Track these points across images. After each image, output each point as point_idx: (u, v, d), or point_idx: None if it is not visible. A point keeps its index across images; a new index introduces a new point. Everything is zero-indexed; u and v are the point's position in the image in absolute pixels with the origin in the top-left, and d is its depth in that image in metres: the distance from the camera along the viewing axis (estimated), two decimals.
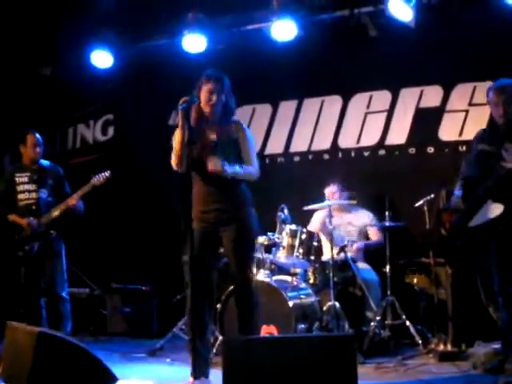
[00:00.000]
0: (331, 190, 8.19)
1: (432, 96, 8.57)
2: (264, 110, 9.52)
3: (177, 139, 5.53)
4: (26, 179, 7.61)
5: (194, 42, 8.80)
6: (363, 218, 8.25)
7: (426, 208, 7.38)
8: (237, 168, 5.65)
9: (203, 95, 5.68)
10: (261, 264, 7.40)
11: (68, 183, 7.80)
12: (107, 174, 7.47)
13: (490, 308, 6.06)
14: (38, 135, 7.69)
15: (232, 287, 5.77)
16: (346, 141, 9.05)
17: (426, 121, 8.60)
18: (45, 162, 7.76)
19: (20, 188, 7.60)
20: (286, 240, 7.42)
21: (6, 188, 7.66)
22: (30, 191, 7.58)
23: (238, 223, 5.69)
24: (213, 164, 5.57)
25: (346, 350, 4.60)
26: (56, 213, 7.49)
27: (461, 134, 8.34)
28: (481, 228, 5.85)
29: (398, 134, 8.73)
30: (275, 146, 9.44)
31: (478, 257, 6.02)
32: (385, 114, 8.83)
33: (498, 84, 6.08)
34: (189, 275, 5.57)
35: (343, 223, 8.16)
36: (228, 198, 5.70)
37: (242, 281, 5.76)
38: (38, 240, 7.46)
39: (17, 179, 7.62)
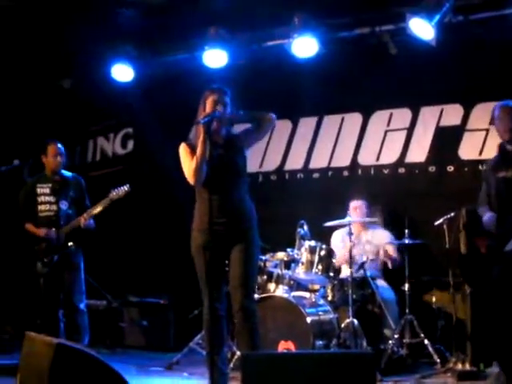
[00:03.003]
0: (355, 205, 8.20)
1: (452, 115, 8.55)
2: (284, 126, 9.51)
3: (197, 153, 5.53)
4: (47, 190, 7.64)
5: (215, 57, 8.82)
6: (381, 236, 8.22)
7: (445, 227, 7.36)
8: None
9: (209, 107, 5.64)
10: (280, 280, 7.41)
11: (88, 196, 7.83)
12: (126, 187, 7.46)
13: None
14: (59, 145, 7.73)
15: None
16: (366, 158, 9.04)
17: (446, 139, 8.58)
18: (67, 173, 7.79)
19: (41, 199, 7.64)
20: (305, 256, 7.41)
21: (26, 199, 7.70)
22: (50, 203, 7.61)
23: (247, 241, 5.66)
24: None
25: (365, 368, 4.57)
26: (72, 227, 7.51)
27: (481, 153, 8.32)
28: None
29: (418, 152, 8.71)
30: (295, 162, 9.43)
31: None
32: (405, 132, 8.82)
33: (505, 102, 6.18)
34: (205, 289, 5.58)
35: (361, 241, 8.14)
36: (237, 212, 5.67)
37: (245, 306, 5.59)
38: (57, 252, 7.48)
39: (38, 190, 7.66)
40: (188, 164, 5.62)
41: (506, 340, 5.88)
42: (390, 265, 8.02)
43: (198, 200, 5.72)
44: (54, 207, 7.60)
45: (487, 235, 6.08)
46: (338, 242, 8.16)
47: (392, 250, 8.13)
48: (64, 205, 7.61)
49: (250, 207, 5.78)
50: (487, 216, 6.11)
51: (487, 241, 6.08)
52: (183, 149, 5.72)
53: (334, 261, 7.54)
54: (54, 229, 7.49)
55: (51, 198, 7.63)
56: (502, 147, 6.24)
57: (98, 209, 7.45)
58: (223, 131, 5.71)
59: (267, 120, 5.88)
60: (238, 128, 5.94)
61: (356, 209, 8.17)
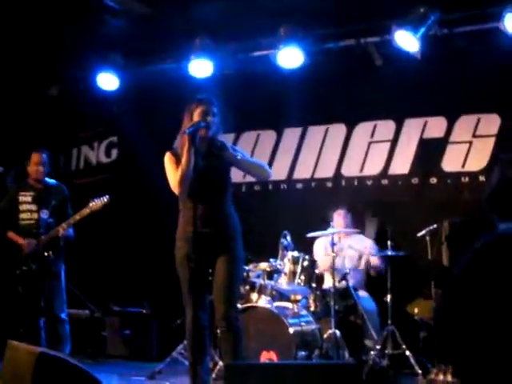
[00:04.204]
0: (337, 212, 8.22)
1: (436, 127, 8.59)
2: (268, 136, 9.55)
3: (182, 163, 5.52)
4: (29, 199, 7.62)
5: (201, 67, 8.83)
6: (363, 241, 8.26)
7: (428, 238, 7.39)
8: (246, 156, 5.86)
9: (197, 118, 5.60)
10: (262, 290, 7.40)
11: (70, 204, 7.80)
12: (105, 198, 7.40)
13: None
14: (43, 154, 7.69)
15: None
16: (350, 169, 9.06)
17: (430, 151, 8.61)
18: (50, 181, 7.78)
19: (22, 207, 7.61)
20: (287, 266, 7.40)
21: (8, 207, 7.67)
22: (31, 211, 7.59)
23: (231, 252, 5.64)
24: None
25: (347, 378, 4.57)
26: (50, 237, 7.49)
27: (464, 165, 8.36)
28: None
29: (402, 164, 8.74)
30: (279, 173, 9.38)
31: None
32: (388, 144, 8.85)
33: None
34: (189, 298, 5.56)
35: (343, 247, 8.15)
36: (221, 222, 5.66)
37: (229, 316, 5.57)
38: (35, 261, 7.44)
39: (20, 198, 7.63)
40: (173, 174, 5.60)
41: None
42: (372, 272, 8.09)
43: (182, 209, 5.71)
44: (35, 216, 7.57)
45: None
46: (321, 249, 8.18)
47: (375, 259, 8.15)
48: (44, 214, 7.57)
49: (235, 218, 5.77)
50: None
51: None
52: (168, 158, 5.71)
53: (316, 271, 7.55)
54: (33, 239, 7.45)
55: (32, 207, 7.60)
56: None
57: (75, 218, 7.43)
58: (209, 141, 5.70)
59: (263, 175, 6.01)
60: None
61: (338, 215, 8.21)
